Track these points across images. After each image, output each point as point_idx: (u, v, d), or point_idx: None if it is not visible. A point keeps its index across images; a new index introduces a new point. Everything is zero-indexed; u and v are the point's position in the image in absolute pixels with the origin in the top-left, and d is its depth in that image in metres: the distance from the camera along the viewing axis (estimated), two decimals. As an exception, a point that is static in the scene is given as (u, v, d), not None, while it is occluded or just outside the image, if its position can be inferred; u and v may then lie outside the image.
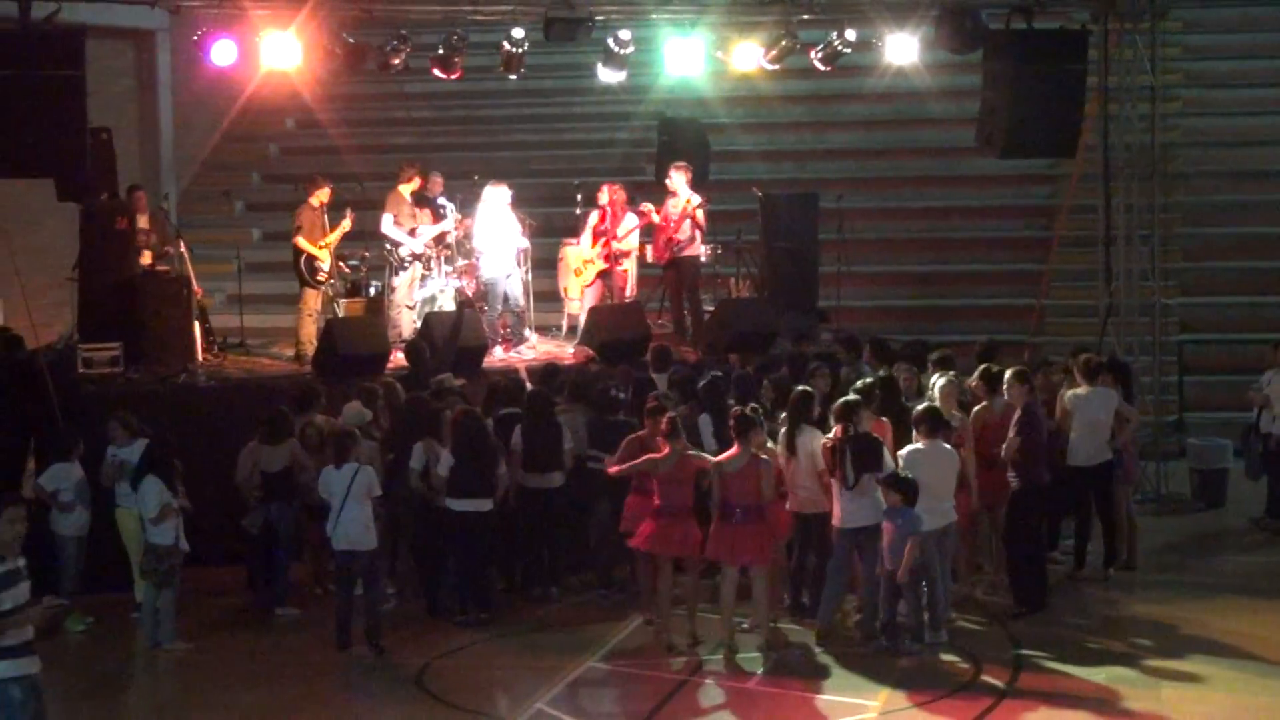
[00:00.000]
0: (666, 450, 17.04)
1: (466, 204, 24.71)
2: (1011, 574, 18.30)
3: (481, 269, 24.18)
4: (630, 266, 24.87)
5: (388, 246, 24.13)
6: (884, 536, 16.74)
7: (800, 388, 17.95)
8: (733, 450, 16.77)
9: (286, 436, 18.86)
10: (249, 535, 19.01)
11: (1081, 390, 19.27)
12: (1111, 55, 23.96)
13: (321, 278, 23.50)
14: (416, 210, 24.11)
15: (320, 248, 23.37)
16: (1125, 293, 24.25)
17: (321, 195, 23.62)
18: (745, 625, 17.22)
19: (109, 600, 18.89)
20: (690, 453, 17.14)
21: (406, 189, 24.08)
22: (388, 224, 23.92)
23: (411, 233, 23.92)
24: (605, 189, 24.82)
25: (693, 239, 24.36)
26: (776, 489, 17.06)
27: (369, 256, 24.61)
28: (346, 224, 23.76)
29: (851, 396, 17.39)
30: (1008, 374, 18.33)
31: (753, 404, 17.78)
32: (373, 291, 24.45)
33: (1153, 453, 23.52)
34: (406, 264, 24.01)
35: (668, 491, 17.02)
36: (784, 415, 17.75)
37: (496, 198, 24.13)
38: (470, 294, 24.21)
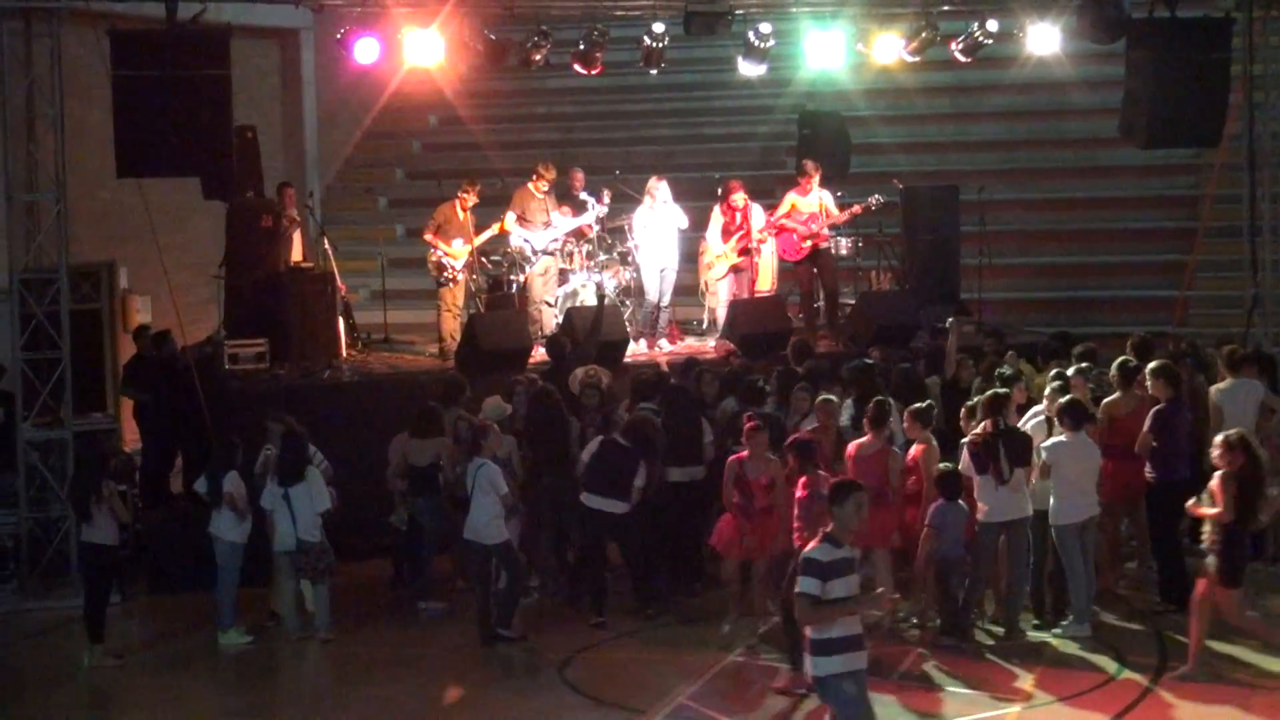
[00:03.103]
0: (748, 452, 17.19)
1: (616, 200, 24.82)
2: (1160, 570, 18.13)
3: (639, 263, 24.35)
4: (771, 261, 24.88)
5: (514, 243, 24.28)
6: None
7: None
8: (866, 437, 16.87)
9: (436, 431, 18.99)
10: (395, 529, 19.19)
11: (1226, 383, 19.06)
12: (1256, 43, 23.70)
13: (449, 275, 23.65)
14: (552, 206, 24.22)
15: (449, 244, 23.53)
16: (1271, 283, 24.00)
17: (470, 199, 23.84)
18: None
19: (254, 593, 18.91)
20: (770, 456, 17.10)
21: (537, 186, 24.19)
22: (510, 221, 24.07)
23: (545, 225, 24.02)
24: (738, 190, 24.80)
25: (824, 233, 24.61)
26: (906, 481, 17.07)
27: (509, 253, 24.77)
28: (496, 227, 24.00)
29: (1000, 389, 17.33)
30: (1148, 369, 18.10)
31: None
32: (514, 287, 24.58)
33: (1298, 445, 23.20)
34: (533, 259, 24.13)
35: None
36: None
37: (659, 193, 24.30)
38: (620, 287, 24.34)
